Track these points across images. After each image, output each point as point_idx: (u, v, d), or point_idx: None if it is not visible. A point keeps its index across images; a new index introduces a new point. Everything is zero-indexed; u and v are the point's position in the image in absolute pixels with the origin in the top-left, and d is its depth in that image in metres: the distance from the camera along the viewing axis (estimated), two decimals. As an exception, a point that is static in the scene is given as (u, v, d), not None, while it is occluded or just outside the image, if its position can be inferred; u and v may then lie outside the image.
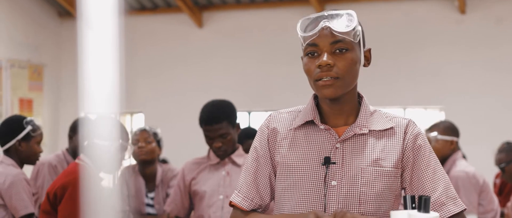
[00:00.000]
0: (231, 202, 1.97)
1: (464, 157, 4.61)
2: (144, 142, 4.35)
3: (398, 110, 8.64)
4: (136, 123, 9.87)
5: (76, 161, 3.35)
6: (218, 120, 3.36)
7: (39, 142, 3.84)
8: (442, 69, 8.43)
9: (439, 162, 1.92)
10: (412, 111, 8.79)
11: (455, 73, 8.35)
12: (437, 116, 8.60)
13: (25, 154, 3.79)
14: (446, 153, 4.22)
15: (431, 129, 4.33)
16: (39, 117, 9.23)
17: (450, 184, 1.89)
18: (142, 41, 9.57)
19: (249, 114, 9.24)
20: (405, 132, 1.89)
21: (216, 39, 9.41)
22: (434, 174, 1.88)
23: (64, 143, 4.83)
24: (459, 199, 1.89)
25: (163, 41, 9.64)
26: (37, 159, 3.89)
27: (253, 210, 1.96)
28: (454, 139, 4.25)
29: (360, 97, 1.95)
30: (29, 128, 3.78)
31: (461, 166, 4.16)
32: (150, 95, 9.57)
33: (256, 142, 1.98)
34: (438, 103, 8.58)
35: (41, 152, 3.87)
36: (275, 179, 1.95)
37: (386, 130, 1.89)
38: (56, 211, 3.16)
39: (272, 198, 1.98)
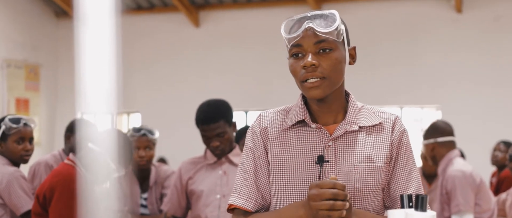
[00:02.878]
0: (231, 205, 1.94)
1: (462, 155, 4.59)
2: (144, 150, 4.20)
3: (395, 109, 8.65)
4: (133, 122, 9.86)
5: (65, 161, 3.28)
6: (214, 119, 3.36)
7: (19, 140, 3.74)
8: (439, 68, 8.44)
9: (416, 163, 1.99)
10: (409, 110, 8.80)
11: (452, 72, 8.37)
12: (434, 114, 8.61)
13: (7, 154, 3.74)
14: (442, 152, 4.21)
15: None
16: (35, 117, 9.20)
17: (421, 186, 1.95)
18: (139, 40, 9.56)
19: (246, 113, 9.24)
20: (393, 128, 1.93)
21: (213, 39, 9.41)
22: (409, 174, 1.93)
23: (60, 143, 4.80)
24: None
25: (160, 41, 9.63)
26: (25, 157, 3.80)
27: (256, 211, 1.94)
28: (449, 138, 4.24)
29: (347, 94, 1.97)
30: (3, 127, 3.72)
31: (457, 165, 4.14)
32: (147, 95, 9.56)
33: (249, 142, 1.98)
34: (434, 102, 8.59)
35: (26, 149, 3.77)
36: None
37: (375, 125, 1.92)
38: (47, 213, 3.13)
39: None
